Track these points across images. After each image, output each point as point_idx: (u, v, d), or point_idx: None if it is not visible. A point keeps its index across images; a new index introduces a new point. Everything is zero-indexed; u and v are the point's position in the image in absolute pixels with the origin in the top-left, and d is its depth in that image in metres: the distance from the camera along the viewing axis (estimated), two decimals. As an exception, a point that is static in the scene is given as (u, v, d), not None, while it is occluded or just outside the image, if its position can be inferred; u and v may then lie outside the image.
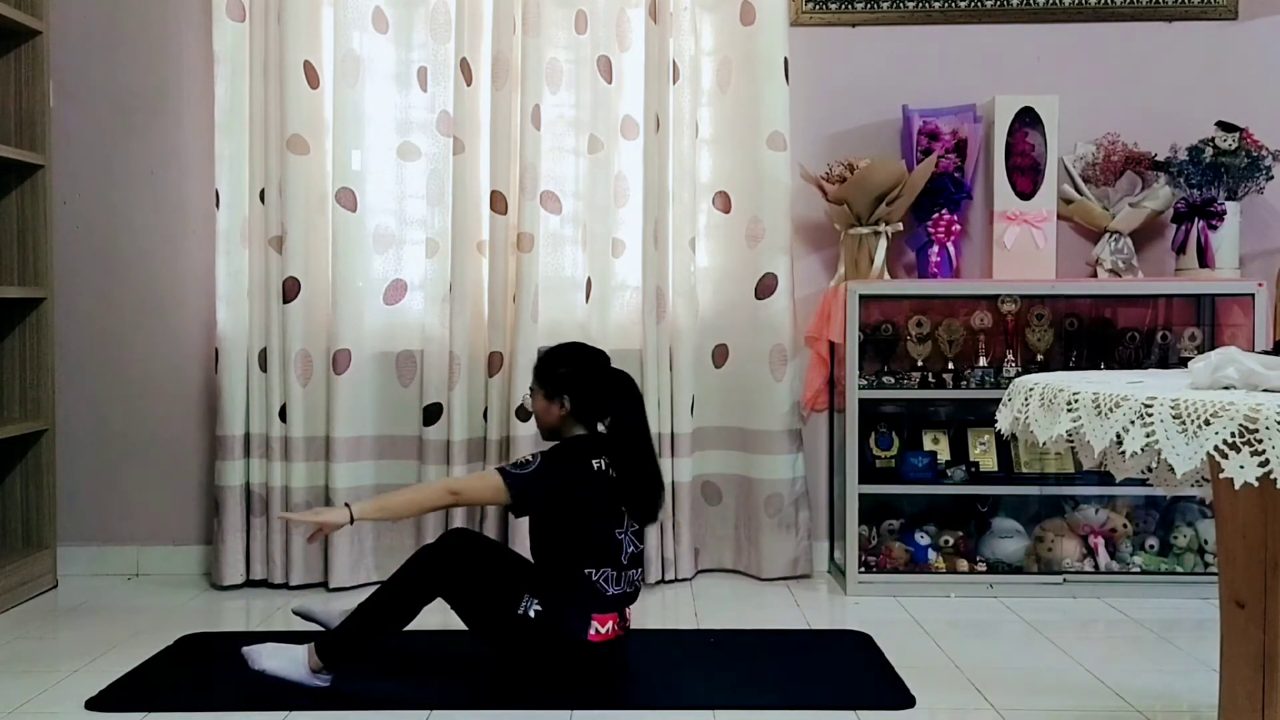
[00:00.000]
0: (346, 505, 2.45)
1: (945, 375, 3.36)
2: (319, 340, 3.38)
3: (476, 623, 2.48)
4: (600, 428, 2.58)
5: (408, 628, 2.42)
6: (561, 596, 2.45)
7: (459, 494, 2.54)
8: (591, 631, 2.44)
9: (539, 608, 2.42)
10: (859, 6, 3.52)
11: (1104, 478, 3.23)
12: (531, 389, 2.63)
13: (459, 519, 3.31)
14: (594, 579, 2.47)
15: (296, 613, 2.71)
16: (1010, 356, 3.37)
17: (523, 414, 3.31)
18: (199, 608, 3.20)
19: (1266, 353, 1.75)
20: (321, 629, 2.58)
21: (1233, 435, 1.43)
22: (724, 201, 3.48)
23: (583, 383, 2.56)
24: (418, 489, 2.67)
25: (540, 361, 2.65)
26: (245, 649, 2.40)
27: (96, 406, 3.54)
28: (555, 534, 2.50)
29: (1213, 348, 2.04)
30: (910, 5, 3.52)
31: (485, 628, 2.48)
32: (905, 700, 2.38)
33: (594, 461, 2.50)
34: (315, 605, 2.73)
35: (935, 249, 3.37)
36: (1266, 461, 1.40)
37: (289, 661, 2.38)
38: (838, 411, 3.46)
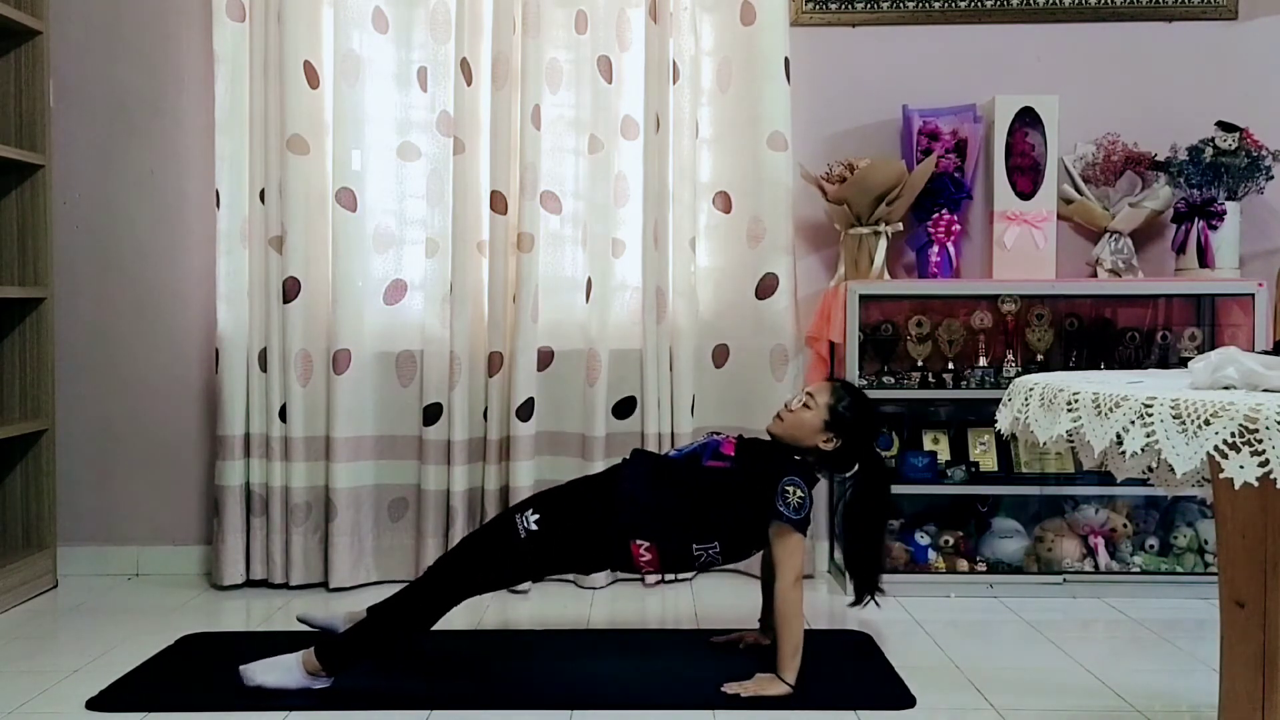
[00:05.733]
0: (781, 679, 2.39)
1: (945, 375, 3.36)
2: (319, 340, 3.38)
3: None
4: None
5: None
6: (671, 520, 2.47)
7: (800, 579, 2.45)
8: (637, 543, 2.45)
9: (536, 516, 2.44)
10: (859, 6, 3.52)
11: (1104, 478, 3.23)
12: (810, 400, 2.54)
13: (460, 525, 3.32)
14: (707, 553, 2.50)
15: (302, 619, 2.71)
16: (1010, 356, 3.37)
17: (524, 413, 3.31)
18: (199, 608, 3.20)
19: (1266, 353, 1.75)
20: (320, 631, 2.59)
21: (1233, 435, 1.43)
22: (724, 201, 3.48)
23: (863, 442, 2.56)
24: (788, 619, 2.42)
25: (844, 396, 2.55)
26: (241, 668, 2.41)
27: (96, 406, 3.54)
28: (733, 515, 2.49)
29: (1213, 348, 2.04)
30: (910, 5, 3.52)
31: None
32: (905, 700, 2.38)
33: (811, 492, 2.51)
34: (317, 612, 2.73)
35: (935, 249, 3.37)
36: (1266, 461, 1.40)
37: (284, 671, 2.39)
38: (838, 411, 3.45)
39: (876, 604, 2.64)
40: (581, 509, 2.49)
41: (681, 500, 2.48)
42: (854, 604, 2.64)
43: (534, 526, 2.43)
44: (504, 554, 2.45)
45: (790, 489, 2.44)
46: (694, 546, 2.49)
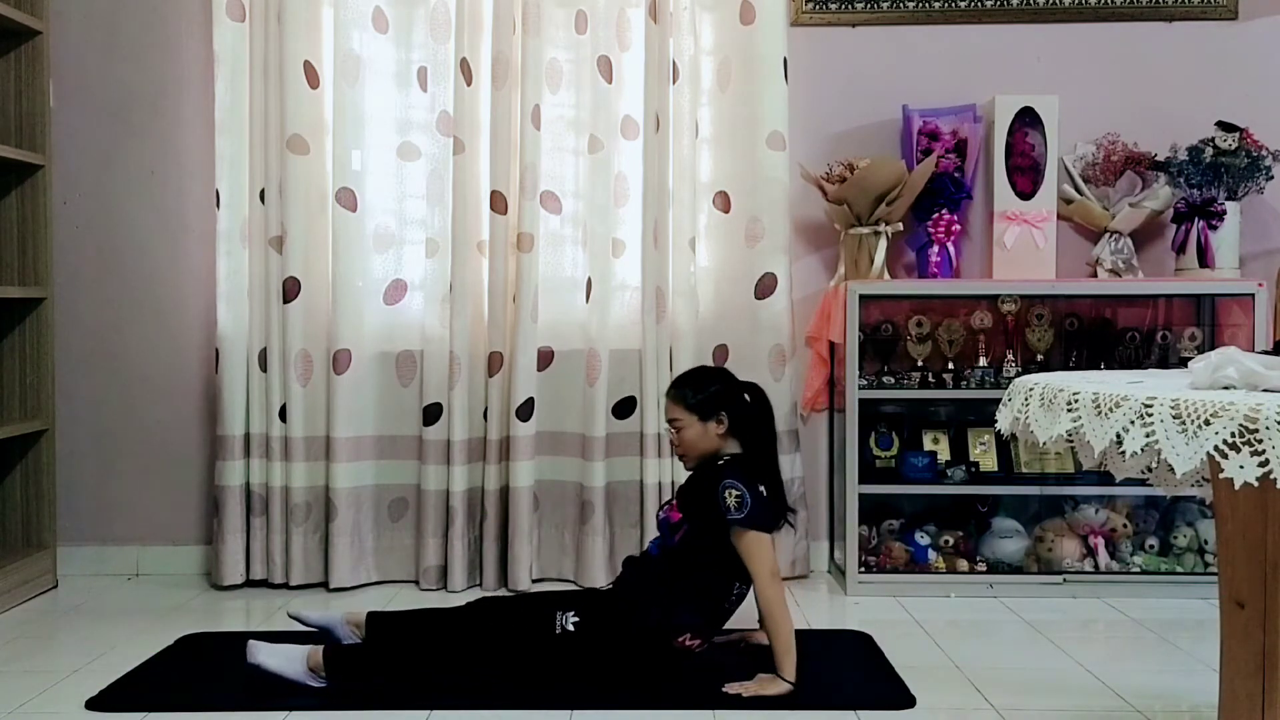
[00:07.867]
0: (781, 677, 2.38)
1: (945, 375, 3.36)
2: (319, 340, 3.38)
3: (527, 659, 2.46)
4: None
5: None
6: (691, 599, 2.49)
7: (774, 573, 2.45)
8: (680, 638, 2.47)
9: (576, 619, 2.43)
10: (859, 6, 3.52)
11: (1104, 478, 3.23)
12: (675, 423, 2.56)
13: (459, 525, 3.32)
14: (734, 595, 2.55)
15: (294, 616, 2.70)
16: (1010, 356, 3.37)
17: (524, 413, 3.31)
18: (199, 608, 3.20)
19: (1266, 353, 1.76)
20: (314, 631, 2.60)
21: (1233, 435, 1.43)
22: (724, 201, 3.48)
23: (733, 395, 2.58)
24: (774, 617, 2.42)
25: (684, 391, 2.58)
26: (250, 641, 2.42)
27: (96, 406, 3.54)
28: (725, 551, 2.48)
29: (1213, 348, 2.04)
30: (910, 5, 3.52)
31: (536, 657, 2.45)
32: (905, 700, 2.38)
33: (759, 484, 2.50)
34: (312, 611, 2.72)
35: (935, 249, 3.37)
36: (1266, 461, 1.40)
37: (285, 659, 2.40)
38: (838, 411, 3.46)
39: (792, 526, 2.69)
40: (615, 615, 2.48)
41: (688, 584, 2.50)
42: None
43: (571, 627, 2.43)
44: (535, 646, 2.44)
45: (726, 493, 2.44)
46: (724, 604, 2.56)
